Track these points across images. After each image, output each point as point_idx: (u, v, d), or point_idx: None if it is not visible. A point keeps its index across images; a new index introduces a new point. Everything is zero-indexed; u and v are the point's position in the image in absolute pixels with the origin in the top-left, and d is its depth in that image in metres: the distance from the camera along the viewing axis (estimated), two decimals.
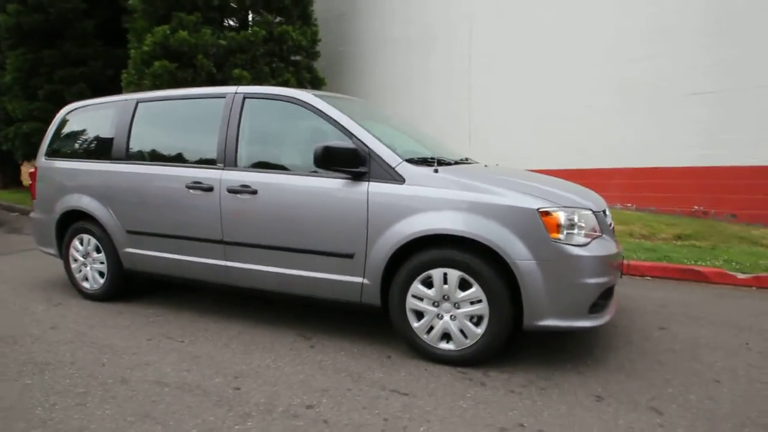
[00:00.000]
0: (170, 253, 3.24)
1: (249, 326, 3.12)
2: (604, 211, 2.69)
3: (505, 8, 8.40)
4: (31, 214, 4.07)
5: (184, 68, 7.76)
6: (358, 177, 2.62)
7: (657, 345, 2.80)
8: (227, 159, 3.00)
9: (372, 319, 3.15)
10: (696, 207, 6.78)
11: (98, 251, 3.61)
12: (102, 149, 3.59)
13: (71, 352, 2.72)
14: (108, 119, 3.62)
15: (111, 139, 3.51)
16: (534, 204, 2.34)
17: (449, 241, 2.45)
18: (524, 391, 2.24)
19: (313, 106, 2.83)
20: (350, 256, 2.65)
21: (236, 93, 3.08)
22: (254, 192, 2.86)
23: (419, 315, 2.56)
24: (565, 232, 2.32)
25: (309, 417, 2.02)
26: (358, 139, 2.63)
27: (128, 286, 3.69)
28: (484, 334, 2.41)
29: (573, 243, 2.33)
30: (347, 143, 2.57)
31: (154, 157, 3.33)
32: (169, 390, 2.26)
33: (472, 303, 2.42)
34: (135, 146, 3.43)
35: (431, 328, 2.53)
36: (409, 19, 9.77)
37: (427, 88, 9.51)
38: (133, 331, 3.05)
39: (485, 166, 3.21)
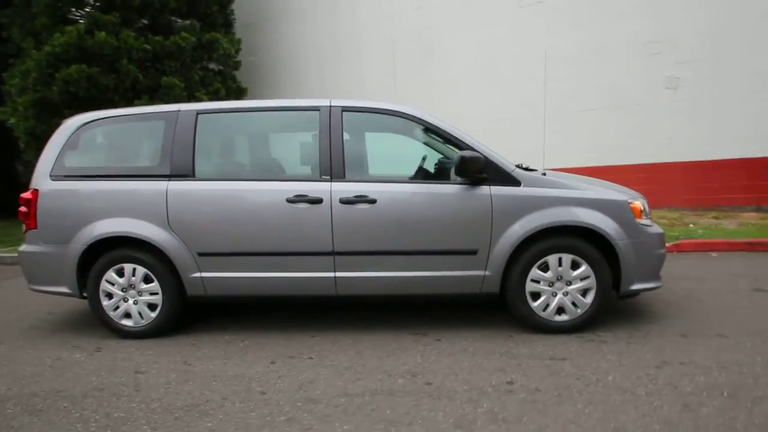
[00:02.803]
0: (259, 271, 3.08)
1: (362, 334, 3.16)
2: None
3: (431, 30, 9.28)
4: (24, 248, 3.31)
5: (104, 73, 6.73)
6: (478, 182, 2.97)
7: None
8: (334, 171, 3.02)
9: (456, 310, 3.49)
10: None
11: (148, 281, 3.17)
12: (152, 166, 3.17)
13: (223, 394, 2.46)
14: (153, 132, 3.21)
15: (166, 155, 3.13)
16: (623, 197, 3.03)
17: (560, 231, 2.98)
18: (640, 341, 2.88)
19: (422, 120, 3.07)
20: (474, 252, 2.99)
21: (331, 106, 3.11)
22: (373, 201, 2.97)
23: (535, 296, 3.03)
24: (644, 217, 3.05)
25: (521, 389, 2.32)
26: (475, 149, 2.98)
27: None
28: (591, 303, 3.00)
29: (647, 224, 3.07)
30: (477, 153, 2.90)
31: (235, 172, 3.12)
32: (369, 398, 2.30)
33: (581, 279, 2.99)
34: (203, 161, 3.15)
35: (547, 306, 3.03)
36: (332, 28, 10.03)
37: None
38: (245, 359, 2.85)
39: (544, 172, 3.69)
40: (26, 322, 3.75)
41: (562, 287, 3.01)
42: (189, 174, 3.11)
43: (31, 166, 3.88)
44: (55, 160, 3.26)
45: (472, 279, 3.02)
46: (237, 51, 8.94)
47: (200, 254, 3.09)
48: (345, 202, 2.98)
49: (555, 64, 8.18)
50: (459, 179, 3.00)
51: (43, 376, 2.70)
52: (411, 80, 9.41)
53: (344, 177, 3.03)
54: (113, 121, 3.31)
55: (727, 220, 6.62)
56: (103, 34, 6.57)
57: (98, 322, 3.55)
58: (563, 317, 3.03)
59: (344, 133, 3.07)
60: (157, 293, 3.18)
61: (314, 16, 10.09)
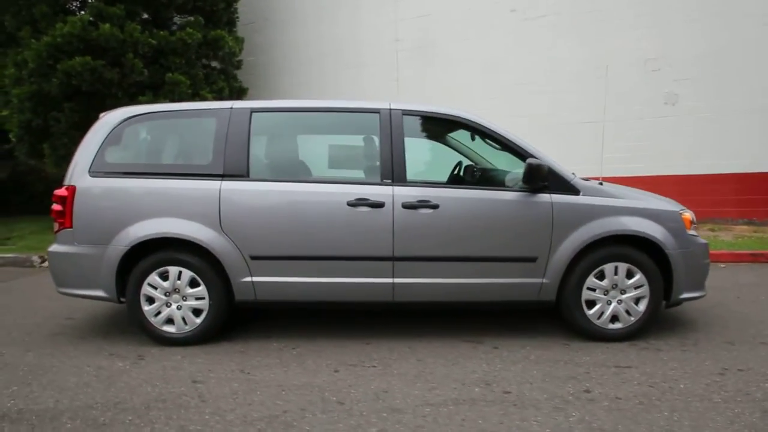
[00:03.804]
0: (313, 276, 2.99)
1: (417, 341, 3.11)
2: None
3: (435, 38, 9.36)
4: (55, 249, 3.09)
5: (108, 67, 6.43)
6: (538, 190, 2.99)
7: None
8: (396, 175, 2.98)
9: (502, 318, 3.50)
10: None
11: (193, 285, 3.03)
12: (203, 164, 3.03)
13: (299, 405, 2.35)
14: (203, 130, 3.08)
15: (219, 153, 3.00)
16: (675, 207, 3.12)
17: (616, 240, 3.03)
18: (692, 349, 2.95)
19: (481, 125, 3.07)
20: (533, 259, 3.00)
21: (391, 109, 3.07)
22: (435, 206, 2.94)
23: (590, 304, 3.06)
24: (693, 227, 3.15)
25: (601, 397, 2.33)
26: (537, 158, 3.00)
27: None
28: (644, 312, 3.06)
29: (695, 235, 3.17)
30: (542, 161, 2.92)
31: (291, 173, 3.02)
32: (453, 407, 2.26)
33: (635, 288, 3.05)
34: (258, 162, 3.04)
35: (601, 314, 3.06)
36: (329, 34, 9.97)
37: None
38: (306, 367, 2.75)
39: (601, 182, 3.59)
40: (46, 329, 3.50)
41: (616, 295, 3.06)
42: (243, 174, 2.99)
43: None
44: (95, 156, 3.07)
45: (530, 286, 3.03)
46: (240, 50, 8.76)
47: (253, 258, 2.98)
48: (407, 206, 2.93)
49: (556, 76, 8.41)
50: (518, 186, 3.02)
51: (91, 387, 2.52)
52: (414, 86, 9.45)
53: (406, 181, 3.00)
54: (159, 116, 3.15)
55: (723, 233, 6.93)
56: (108, 26, 6.29)
57: (127, 328, 3.39)
58: (617, 325, 3.08)
59: (405, 137, 3.04)
60: (203, 298, 3.03)
61: (317, 19, 10.01)
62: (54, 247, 3.12)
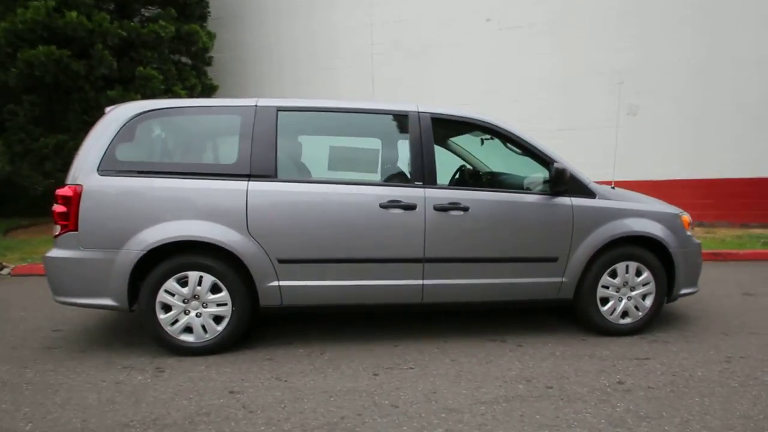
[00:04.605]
0: (343, 279, 2.94)
1: (443, 342, 3.14)
2: None
3: (410, 43, 9.48)
4: (55, 254, 2.82)
5: (75, 58, 5.92)
6: (558, 193, 3.13)
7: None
8: (426, 177, 3.00)
9: (513, 317, 3.63)
10: None
11: (215, 291, 2.87)
12: (228, 164, 2.88)
13: (354, 410, 2.29)
14: (226, 128, 2.94)
15: (245, 153, 2.87)
16: (675, 210, 3.38)
17: (625, 240, 3.23)
18: (695, 340, 3.20)
19: (506, 130, 3.17)
20: (554, 259, 3.13)
21: (420, 112, 3.08)
22: (465, 209, 2.99)
23: (604, 301, 3.24)
24: (690, 228, 3.42)
25: (636, 387, 2.48)
26: (559, 162, 3.14)
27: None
28: (650, 307, 3.29)
29: (692, 235, 3.45)
30: (564, 165, 3.05)
31: (319, 174, 2.94)
32: (507, 404, 2.32)
33: (643, 285, 3.27)
34: (286, 162, 2.93)
35: (613, 310, 3.25)
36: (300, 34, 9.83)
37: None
38: (343, 372, 2.69)
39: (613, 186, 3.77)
40: (35, 343, 3.18)
41: (626, 292, 3.26)
42: (271, 174, 2.88)
43: None
44: (105, 153, 2.84)
45: (551, 285, 3.16)
46: (211, 46, 8.42)
47: (281, 261, 2.88)
48: (439, 209, 2.96)
49: (528, 85, 8.82)
50: (539, 189, 3.15)
51: (117, 404, 2.32)
52: (389, 89, 9.53)
53: (435, 183, 3.03)
54: (176, 112, 2.96)
55: None
56: (74, 13, 5.80)
57: (130, 338, 3.18)
58: (627, 320, 3.28)
59: (433, 140, 3.07)
60: (225, 304, 2.89)
61: (291, 16, 9.83)
62: (54, 252, 2.84)
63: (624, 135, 8.47)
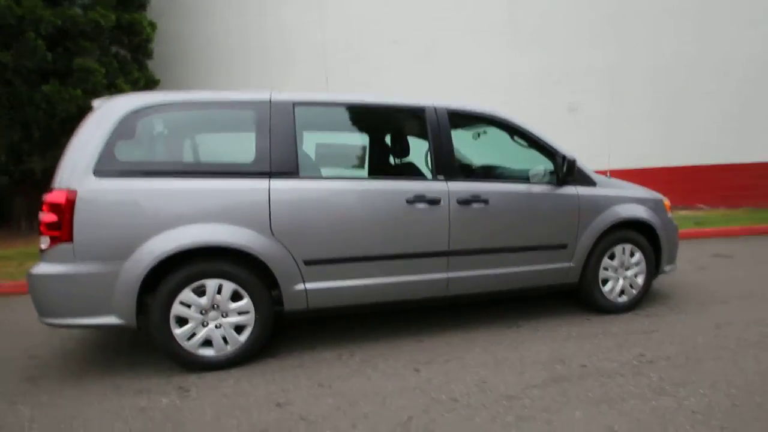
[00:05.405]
0: (370, 277, 2.86)
1: (464, 332, 3.19)
2: None
3: (362, 41, 9.42)
4: (43, 270, 2.42)
5: (3, 48, 5.12)
6: (563, 183, 3.29)
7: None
8: (449, 171, 3.00)
9: (523, 303, 3.78)
10: None
11: (236, 299, 2.66)
12: (245, 162, 2.66)
13: (420, 407, 2.23)
14: (240, 123, 2.71)
15: (263, 150, 2.67)
16: (659, 196, 3.71)
17: (620, 225, 3.49)
18: (681, 313, 3.53)
19: (514, 124, 3.27)
20: (564, 246, 3.30)
21: (436, 107, 3.07)
22: (485, 201, 3.04)
23: (604, 282, 3.48)
24: (671, 212, 3.78)
25: (658, 359, 2.69)
26: (564, 154, 3.29)
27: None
28: (643, 285, 3.58)
29: (672, 217, 3.81)
30: (574, 157, 3.21)
31: (340, 170, 2.82)
32: (557, 386, 2.40)
33: (636, 265, 3.55)
34: (307, 158, 2.77)
35: (612, 290, 3.50)
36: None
37: None
38: (383, 371, 2.62)
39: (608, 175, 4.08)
40: (13, 374, 2.72)
41: (623, 273, 3.53)
42: (293, 172, 2.71)
43: None
44: (101, 153, 2.49)
45: (561, 271, 3.33)
46: (153, 38, 7.74)
47: (306, 263, 2.73)
48: (462, 202, 2.99)
49: (473, 84, 9.17)
50: (545, 180, 3.29)
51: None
52: (343, 87, 9.40)
53: (455, 177, 3.04)
54: (181, 107, 2.67)
55: None
56: None
57: (125, 358, 2.87)
58: (623, 298, 3.55)
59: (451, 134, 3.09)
60: (247, 312, 2.68)
61: (241, 11, 9.31)
62: (42, 268, 2.45)
63: (565, 130, 9.17)
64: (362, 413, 2.18)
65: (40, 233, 2.47)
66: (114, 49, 7.00)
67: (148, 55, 7.88)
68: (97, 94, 6.16)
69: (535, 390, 2.37)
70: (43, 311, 2.51)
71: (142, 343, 3.12)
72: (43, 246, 2.47)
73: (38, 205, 2.58)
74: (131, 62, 7.08)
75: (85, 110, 6.50)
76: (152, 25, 7.47)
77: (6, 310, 4.15)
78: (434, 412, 2.17)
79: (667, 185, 8.92)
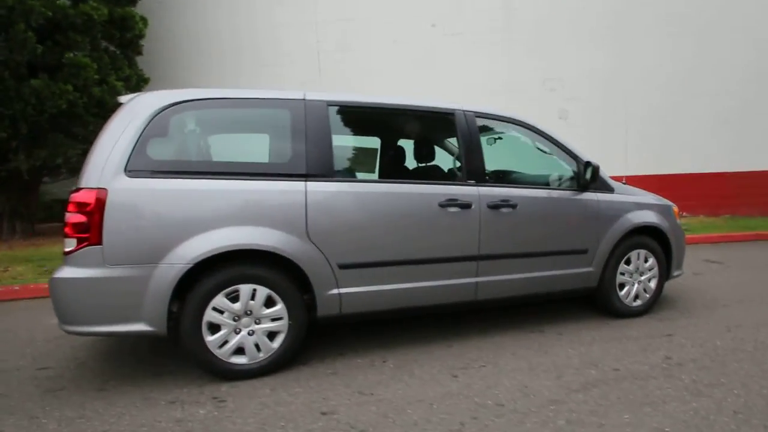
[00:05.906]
0: (402, 282, 2.83)
1: (491, 337, 3.20)
2: None
3: (355, 42, 9.40)
4: (69, 274, 2.29)
5: None
6: (585, 189, 3.35)
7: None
8: (479, 175, 3.01)
9: (540, 307, 3.83)
10: None
11: (269, 304, 2.58)
12: (281, 163, 2.59)
13: (469, 414, 2.20)
14: (274, 123, 2.64)
15: (299, 150, 2.61)
16: (669, 202, 3.82)
17: (635, 230, 3.58)
18: (692, 317, 3.64)
19: (540, 130, 3.31)
20: (585, 251, 3.36)
21: (465, 111, 3.08)
22: (514, 206, 3.06)
23: (621, 286, 3.56)
24: (679, 217, 3.91)
25: (685, 361, 2.76)
26: (588, 160, 3.35)
27: None
28: (656, 289, 3.68)
29: (680, 223, 3.94)
30: (597, 164, 3.27)
31: (375, 172, 2.78)
32: (596, 390, 2.43)
33: (650, 270, 3.65)
34: (341, 160, 2.73)
35: (628, 294, 3.58)
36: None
37: None
38: (421, 378, 2.60)
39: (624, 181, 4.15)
40: (24, 386, 2.55)
41: (638, 278, 3.62)
42: (329, 174, 2.66)
43: None
44: (132, 150, 2.38)
45: (581, 275, 3.38)
46: (145, 33, 7.50)
47: (341, 267, 2.68)
48: (492, 206, 3.00)
49: (468, 89, 9.29)
50: (566, 185, 3.35)
51: None
52: (336, 87, 9.36)
53: (485, 181, 3.06)
54: (215, 104, 2.58)
55: None
56: None
57: (150, 368, 2.76)
58: (638, 303, 3.64)
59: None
60: (281, 318, 2.61)
61: (232, 10, 9.14)
62: (67, 272, 2.31)
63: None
64: (411, 421, 2.15)
65: (65, 235, 2.34)
66: (103, 44, 6.75)
67: (138, 51, 7.64)
68: (88, 90, 5.92)
69: (578, 394, 2.38)
70: (65, 318, 2.37)
71: (164, 351, 2.99)
72: (68, 249, 2.33)
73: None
74: (121, 58, 6.83)
75: (75, 106, 6.25)
76: (144, 21, 7.25)
77: None
78: (484, 418, 2.16)
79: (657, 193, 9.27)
